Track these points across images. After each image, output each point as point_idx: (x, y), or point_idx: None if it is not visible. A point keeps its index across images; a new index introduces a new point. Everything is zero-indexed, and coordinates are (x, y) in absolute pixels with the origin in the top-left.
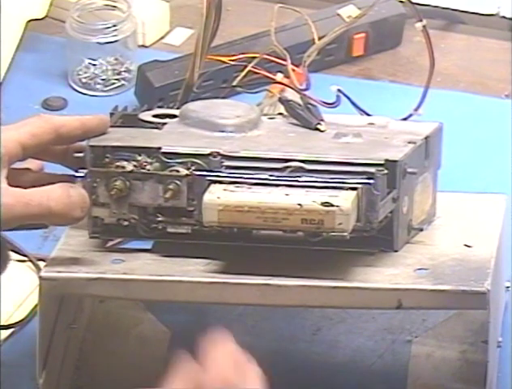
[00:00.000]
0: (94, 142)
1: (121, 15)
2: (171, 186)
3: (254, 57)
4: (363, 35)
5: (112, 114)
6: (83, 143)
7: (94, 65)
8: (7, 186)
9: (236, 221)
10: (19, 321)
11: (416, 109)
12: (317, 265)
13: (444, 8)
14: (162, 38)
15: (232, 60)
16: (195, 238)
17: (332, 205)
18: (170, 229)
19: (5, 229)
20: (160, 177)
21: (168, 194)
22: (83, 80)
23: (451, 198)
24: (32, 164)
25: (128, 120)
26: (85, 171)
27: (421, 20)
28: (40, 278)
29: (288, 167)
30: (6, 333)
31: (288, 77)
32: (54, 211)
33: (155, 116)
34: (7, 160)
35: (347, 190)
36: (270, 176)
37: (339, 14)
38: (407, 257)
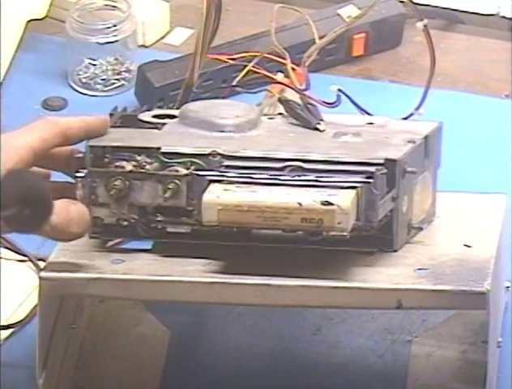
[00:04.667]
0: (93, 142)
1: (121, 15)
2: (170, 186)
3: (254, 57)
4: (363, 35)
5: (111, 115)
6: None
7: (94, 65)
8: None
9: (235, 221)
10: (19, 321)
11: (416, 109)
12: (317, 265)
13: (444, 8)
14: (162, 38)
15: (232, 59)
16: (195, 238)
17: (332, 204)
18: (170, 229)
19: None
20: (159, 176)
21: (167, 194)
22: (83, 80)
23: (451, 198)
24: (39, 173)
25: (128, 120)
26: (85, 171)
27: (422, 20)
28: (40, 278)
29: (287, 166)
30: (6, 333)
31: (287, 77)
32: (53, 224)
33: (154, 116)
34: (20, 166)
35: (346, 189)
36: (270, 175)
37: (339, 14)
38: (407, 257)
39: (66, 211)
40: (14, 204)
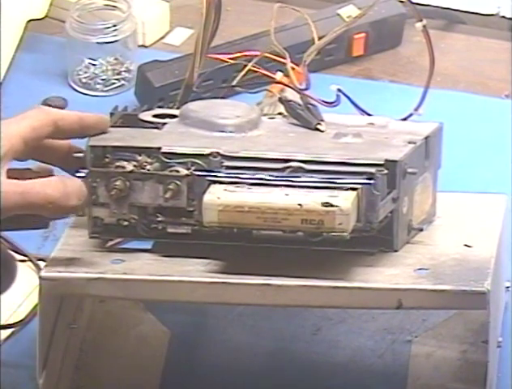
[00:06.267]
0: (94, 142)
1: (121, 15)
2: (171, 186)
3: (254, 57)
4: (363, 35)
5: (112, 114)
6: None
7: (94, 65)
8: (5, 179)
9: (236, 221)
10: (19, 321)
11: (416, 109)
12: (317, 265)
13: (444, 8)
14: (162, 38)
15: (232, 58)
16: (195, 238)
17: (332, 205)
18: (170, 229)
19: (5, 229)
20: (160, 177)
21: (168, 194)
22: (83, 80)
23: (451, 198)
24: (41, 168)
25: (128, 120)
26: (85, 171)
27: (421, 20)
28: (40, 278)
29: (287, 167)
30: (6, 333)
31: (287, 77)
32: (51, 198)
33: (155, 116)
34: (11, 155)
35: (347, 190)
36: (270, 176)
37: (339, 14)
38: (407, 257)
39: (63, 185)
40: None
